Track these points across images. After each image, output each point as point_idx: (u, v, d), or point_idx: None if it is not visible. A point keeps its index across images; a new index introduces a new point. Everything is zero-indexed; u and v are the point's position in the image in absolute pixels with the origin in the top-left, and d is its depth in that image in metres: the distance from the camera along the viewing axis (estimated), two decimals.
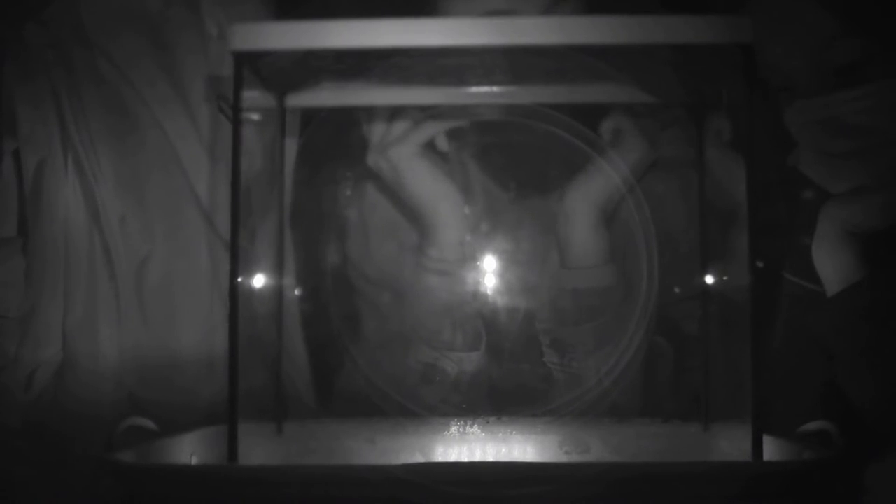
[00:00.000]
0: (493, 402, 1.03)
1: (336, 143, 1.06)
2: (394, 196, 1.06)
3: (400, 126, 1.01)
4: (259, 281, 0.96)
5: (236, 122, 0.73)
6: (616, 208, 1.03)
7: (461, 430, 0.88)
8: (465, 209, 1.03)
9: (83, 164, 0.99)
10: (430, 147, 1.03)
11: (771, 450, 0.73)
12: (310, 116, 1.03)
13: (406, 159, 1.01)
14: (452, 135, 1.04)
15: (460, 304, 1.02)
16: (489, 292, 1.03)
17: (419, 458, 0.87)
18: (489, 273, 1.04)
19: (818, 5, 0.94)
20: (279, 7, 1.07)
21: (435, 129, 1.01)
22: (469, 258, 1.03)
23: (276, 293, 0.92)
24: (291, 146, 1.05)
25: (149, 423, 0.77)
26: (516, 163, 1.07)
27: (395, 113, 1.01)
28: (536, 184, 1.07)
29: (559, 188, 1.04)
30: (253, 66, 0.79)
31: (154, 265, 1.01)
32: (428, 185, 1.02)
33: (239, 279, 0.74)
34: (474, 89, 0.90)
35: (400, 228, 1.09)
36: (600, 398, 0.97)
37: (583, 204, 1.01)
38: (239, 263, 0.74)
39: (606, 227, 1.03)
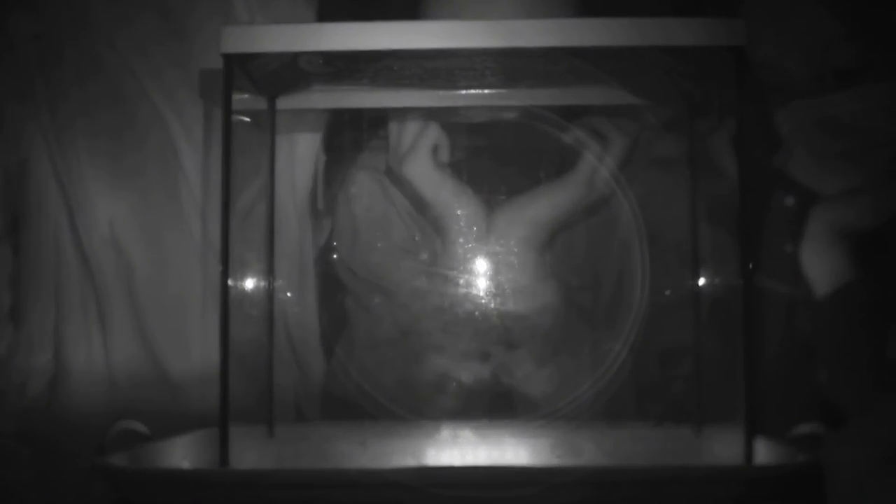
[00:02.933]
0: (484, 405, 1.02)
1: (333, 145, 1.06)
2: (416, 205, 1.05)
3: (409, 134, 1.00)
4: (250, 284, 0.96)
5: (227, 124, 0.73)
6: (564, 223, 1.02)
7: (453, 433, 0.88)
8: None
9: (65, 165, 0.97)
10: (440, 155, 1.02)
11: (762, 453, 0.73)
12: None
13: (425, 171, 1.00)
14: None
15: (473, 311, 1.01)
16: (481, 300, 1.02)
17: (411, 462, 0.87)
18: (472, 283, 1.03)
19: (818, 6, 0.94)
20: None
21: (437, 135, 1.00)
22: (468, 268, 1.02)
23: (268, 296, 0.92)
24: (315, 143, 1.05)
25: (140, 427, 0.77)
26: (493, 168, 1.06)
27: (404, 118, 1.00)
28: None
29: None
30: (243, 68, 0.79)
31: (146, 271, 0.99)
32: (449, 195, 1.01)
33: (230, 282, 0.74)
34: (465, 92, 0.90)
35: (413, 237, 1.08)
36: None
37: (513, 221, 1.00)
38: (229, 267, 0.74)
39: (543, 244, 1.01)
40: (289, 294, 1.05)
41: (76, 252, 0.98)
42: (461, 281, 1.00)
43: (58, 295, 0.98)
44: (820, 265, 0.84)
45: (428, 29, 0.73)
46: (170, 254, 1.00)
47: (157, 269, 1.00)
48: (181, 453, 0.79)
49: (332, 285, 1.08)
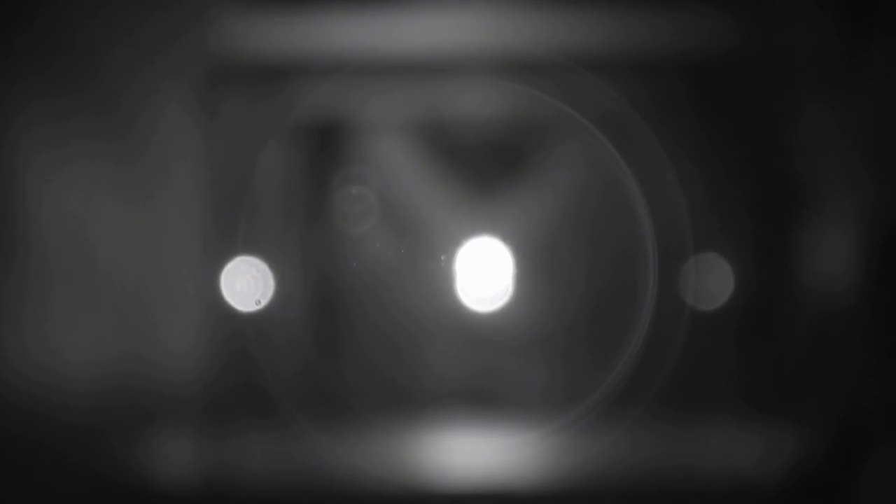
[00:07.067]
0: (478, 409, 1.03)
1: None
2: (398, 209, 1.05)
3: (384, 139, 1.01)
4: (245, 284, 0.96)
5: (214, 123, 0.73)
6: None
7: (444, 436, 0.88)
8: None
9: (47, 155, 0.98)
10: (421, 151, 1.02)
11: (770, 455, 0.73)
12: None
13: (403, 175, 1.00)
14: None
15: (467, 315, 1.02)
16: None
17: (405, 464, 0.86)
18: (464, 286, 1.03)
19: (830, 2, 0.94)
20: None
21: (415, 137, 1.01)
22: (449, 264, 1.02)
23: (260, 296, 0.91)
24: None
25: (126, 430, 0.77)
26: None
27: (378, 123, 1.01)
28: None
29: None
30: (236, 65, 0.79)
31: (130, 266, 1.00)
32: (434, 197, 1.01)
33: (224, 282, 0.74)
34: (462, 89, 0.90)
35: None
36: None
37: (507, 224, 1.01)
38: (223, 266, 0.74)
39: (538, 247, 1.01)
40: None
41: (54, 243, 0.99)
42: (454, 284, 1.01)
43: (31, 287, 0.99)
44: (837, 265, 0.85)
45: (427, 26, 0.73)
46: (148, 246, 1.01)
47: (136, 262, 1.00)
48: (168, 457, 0.79)
49: (319, 286, 1.09)
